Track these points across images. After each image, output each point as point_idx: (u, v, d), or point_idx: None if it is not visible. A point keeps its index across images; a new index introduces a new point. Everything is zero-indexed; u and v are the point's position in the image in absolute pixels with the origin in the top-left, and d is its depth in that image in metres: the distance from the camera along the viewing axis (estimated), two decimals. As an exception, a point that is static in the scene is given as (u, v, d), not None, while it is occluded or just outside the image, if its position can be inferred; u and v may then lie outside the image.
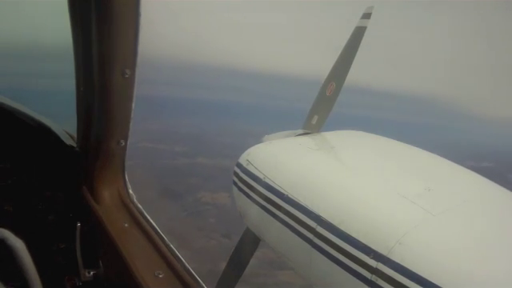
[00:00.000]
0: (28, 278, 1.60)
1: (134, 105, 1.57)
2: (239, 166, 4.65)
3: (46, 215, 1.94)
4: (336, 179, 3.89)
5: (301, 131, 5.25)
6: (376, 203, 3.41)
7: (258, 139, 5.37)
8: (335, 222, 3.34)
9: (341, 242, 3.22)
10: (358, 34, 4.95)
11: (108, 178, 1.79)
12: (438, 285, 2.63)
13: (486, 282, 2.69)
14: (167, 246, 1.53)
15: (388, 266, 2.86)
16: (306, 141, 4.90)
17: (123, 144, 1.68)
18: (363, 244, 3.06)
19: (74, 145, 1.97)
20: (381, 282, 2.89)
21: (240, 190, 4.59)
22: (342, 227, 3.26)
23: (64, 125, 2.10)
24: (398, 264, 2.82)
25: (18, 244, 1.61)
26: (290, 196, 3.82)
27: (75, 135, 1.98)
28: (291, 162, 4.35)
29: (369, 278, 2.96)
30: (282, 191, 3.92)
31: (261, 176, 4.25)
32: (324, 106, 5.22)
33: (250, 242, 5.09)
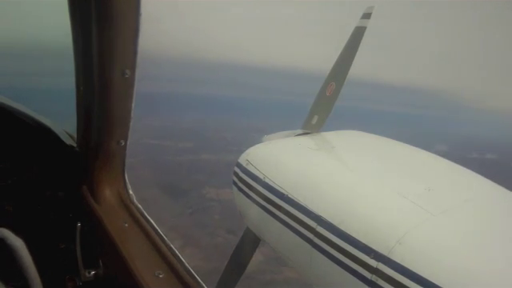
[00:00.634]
0: (28, 277, 1.60)
1: (133, 105, 1.56)
2: (239, 165, 4.65)
3: (46, 215, 1.94)
4: (336, 179, 3.89)
5: (301, 131, 5.25)
6: (376, 203, 3.41)
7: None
8: (335, 221, 3.34)
9: (341, 241, 3.22)
10: (358, 34, 4.95)
11: (108, 178, 1.79)
12: (439, 285, 2.63)
13: (486, 282, 2.68)
14: (167, 245, 1.52)
15: (388, 266, 2.86)
16: (306, 141, 4.90)
17: (123, 144, 1.68)
18: (363, 244, 3.06)
19: (74, 145, 1.97)
20: (381, 282, 2.89)
21: (240, 189, 4.59)
22: (342, 227, 3.26)
23: (64, 125, 2.09)
24: (398, 264, 2.82)
25: (18, 243, 1.61)
26: (289, 196, 3.82)
27: (75, 135, 1.98)
28: (291, 161, 4.35)
29: (369, 277, 2.96)
30: (282, 191, 3.91)
31: (261, 176, 4.25)
32: (324, 106, 5.22)
33: (250, 242, 5.09)
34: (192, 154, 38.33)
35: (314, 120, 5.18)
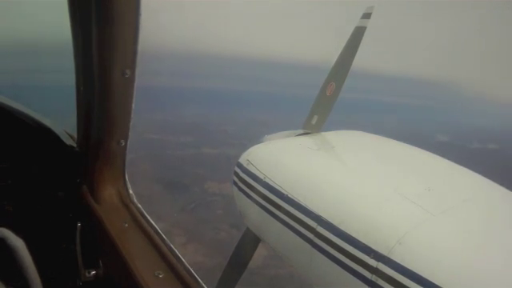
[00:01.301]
0: (28, 277, 1.60)
1: (134, 105, 1.57)
2: (239, 165, 4.65)
3: (46, 215, 1.94)
4: (336, 179, 3.89)
5: (301, 131, 5.26)
6: (376, 203, 3.41)
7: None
8: (335, 221, 3.34)
9: (341, 241, 3.22)
10: (358, 34, 4.95)
11: (108, 178, 1.79)
12: (439, 285, 2.63)
13: (486, 282, 2.68)
14: (167, 245, 1.52)
15: (388, 266, 2.86)
16: (306, 141, 4.90)
17: (123, 144, 1.68)
18: (363, 244, 3.06)
19: (74, 145, 1.97)
20: (381, 282, 2.89)
21: (240, 189, 4.59)
22: (342, 227, 3.26)
23: (64, 124, 2.10)
24: (398, 264, 2.82)
25: (18, 243, 1.61)
26: (290, 196, 3.82)
27: (75, 135, 1.98)
28: (291, 161, 4.35)
29: (369, 277, 2.96)
30: (282, 191, 3.91)
31: (261, 176, 4.25)
32: (324, 106, 5.22)
33: (250, 242, 5.09)
34: (193, 148, 38.29)
35: (314, 120, 5.18)
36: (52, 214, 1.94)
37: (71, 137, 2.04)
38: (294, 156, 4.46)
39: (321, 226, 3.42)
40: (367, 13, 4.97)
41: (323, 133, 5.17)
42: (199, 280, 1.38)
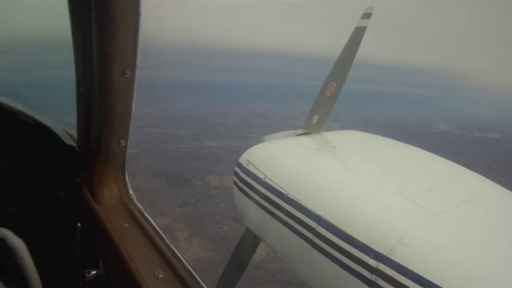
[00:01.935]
0: (28, 277, 1.60)
1: (134, 105, 1.57)
2: (239, 165, 4.65)
3: (45, 215, 1.94)
4: (336, 179, 3.89)
5: (301, 131, 5.26)
6: (376, 203, 3.41)
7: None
8: (335, 221, 3.34)
9: (341, 241, 3.22)
10: (358, 34, 4.95)
11: (108, 178, 1.79)
12: (439, 285, 2.63)
13: (486, 282, 2.68)
14: (167, 246, 1.52)
15: (388, 266, 2.86)
16: (306, 141, 4.90)
17: (123, 144, 1.68)
18: (363, 244, 3.06)
19: (74, 145, 1.98)
20: (381, 282, 2.89)
21: (240, 190, 4.59)
22: (342, 227, 3.26)
23: (64, 124, 2.10)
24: (398, 264, 2.82)
25: (18, 244, 1.61)
26: (289, 196, 3.82)
27: (75, 135, 1.98)
28: (291, 161, 4.35)
29: (369, 277, 2.96)
30: (282, 191, 3.91)
31: (261, 176, 4.25)
32: (324, 105, 5.23)
33: (250, 242, 5.09)
34: (194, 141, 38.37)
35: (314, 120, 5.18)
36: (52, 214, 1.94)
37: (71, 137, 2.04)
38: (293, 156, 4.46)
39: (321, 225, 3.42)
40: (367, 13, 4.97)
41: (323, 133, 5.18)
42: (199, 280, 1.37)
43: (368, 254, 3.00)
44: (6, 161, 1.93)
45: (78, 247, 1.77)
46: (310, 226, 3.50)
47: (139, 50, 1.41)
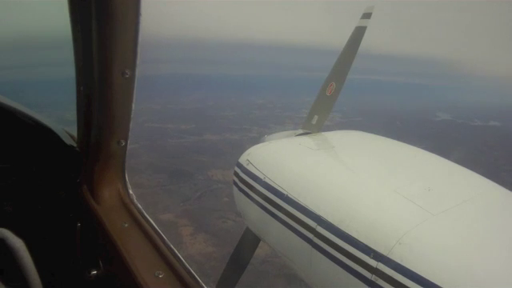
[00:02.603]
0: (28, 277, 1.60)
1: (134, 105, 1.57)
2: (239, 165, 4.65)
3: (46, 215, 1.94)
4: (336, 179, 3.89)
5: (301, 131, 5.27)
6: (376, 203, 3.41)
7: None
8: (335, 221, 3.34)
9: (341, 241, 3.22)
10: (358, 34, 4.96)
11: (108, 178, 1.79)
12: (439, 285, 2.63)
13: (486, 282, 2.68)
14: (167, 246, 1.53)
15: (388, 266, 2.86)
16: (306, 141, 4.90)
17: (123, 144, 1.68)
18: (363, 244, 3.06)
19: (74, 145, 1.97)
20: (381, 282, 2.89)
21: (240, 190, 4.59)
22: (342, 227, 3.26)
23: (64, 122, 2.10)
24: (398, 264, 2.82)
25: (18, 244, 1.61)
26: (289, 196, 3.82)
27: (75, 135, 1.98)
28: (291, 161, 4.35)
29: (369, 277, 2.96)
30: (282, 191, 3.91)
31: (261, 176, 4.25)
32: (324, 105, 5.23)
33: (250, 242, 5.09)
34: (195, 135, 38.33)
35: (314, 120, 5.19)
36: (52, 214, 1.94)
37: (71, 137, 2.04)
38: (293, 156, 4.46)
39: (321, 226, 3.42)
40: (367, 13, 4.97)
41: (323, 133, 5.18)
42: (199, 280, 1.38)
43: (368, 254, 3.00)
44: (6, 161, 1.93)
45: (77, 247, 1.77)
46: (310, 226, 3.51)
47: (139, 49, 1.41)
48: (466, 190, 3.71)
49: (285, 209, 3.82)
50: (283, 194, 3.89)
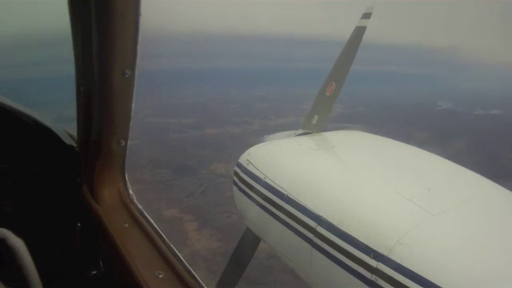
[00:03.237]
0: (28, 277, 1.60)
1: (134, 105, 1.57)
2: (239, 165, 4.65)
3: (46, 215, 1.94)
4: (336, 179, 3.89)
5: (301, 131, 5.27)
6: (376, 203, 3.41)
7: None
8: (335, 221, 3.34)
9: (341, 241, 3.22)
10: (358, 34, 4.96)
11: (108, 178, 1.79)
12: (439, 285, 2.63)
13: (486, 282, 2.69)
14: (167, 245, 1.53)
15: (388, 266, 2.87)
16: (307, 141, 4.91)
17: (123, 144, 1.68)
18: (363, 244, 3.06)
19: (74, 145, 1.98)
20: (381, 282, 2.89)
21: (240, 190, 4.59)
22: (342, 227, 3.26)
23: (64, 120, 2.10)
24: (398, 264, 2.83)
25: (18, 244, 1.61)
26: (290, 196, 3.82)
27: (75, 135, 1.99)
28: (291, 161, 4.35)
29: (369, 277, 2.96)
30: (282, 191, 3.91)
31: (261, 176, 4.25)
32: (324, 105, 5.23)
33: (250, 242, 5.09)
34: (197, 129, 38.02)
35: (315, 120, 5.19)
36: (52, 214, 1.94)
37: (71, 137, 2.04)
38: (293, 156, 4.46)
39: (321, 225, 3.42)
40: (367, 13, 4.97)
41: (323, 133, 5.18)
42: (199, 280, 1.38)
43: (368, 254, 3.00)
44: (6, 161, 1.93)
45: (78, 247, 1.77)
46: (310, 226, 3.51)
47: (139, 49, 1.41)
48: (466, 190, 3.71)
49: (285, 209, 3.82)
50: (283, 194, 3.89)
